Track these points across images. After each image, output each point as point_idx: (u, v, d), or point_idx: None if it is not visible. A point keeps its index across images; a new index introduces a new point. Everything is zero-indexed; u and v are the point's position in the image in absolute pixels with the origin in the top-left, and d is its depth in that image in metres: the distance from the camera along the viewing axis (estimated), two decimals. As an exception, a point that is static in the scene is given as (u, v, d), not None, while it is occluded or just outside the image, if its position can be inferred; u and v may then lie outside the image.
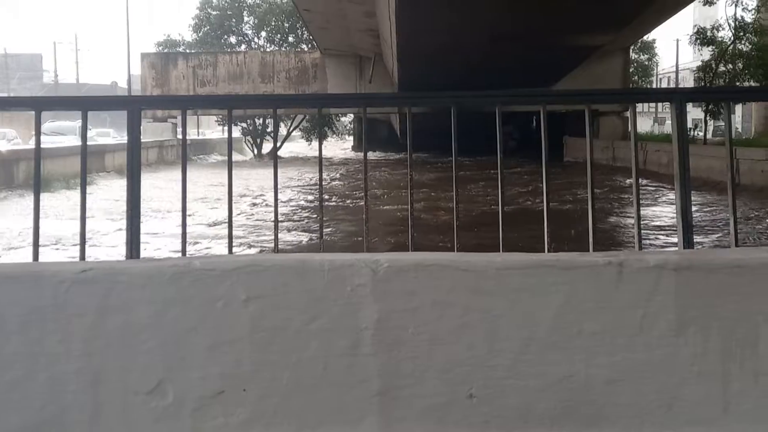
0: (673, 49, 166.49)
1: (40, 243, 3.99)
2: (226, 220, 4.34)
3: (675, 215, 4.06)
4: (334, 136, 67.26)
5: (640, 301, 3.08)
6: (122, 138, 41.83)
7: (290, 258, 3.36)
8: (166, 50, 54.75)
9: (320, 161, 4.47)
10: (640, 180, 4.42)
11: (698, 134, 33.66)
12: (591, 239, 4.11)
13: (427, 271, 3.14)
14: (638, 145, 4.37)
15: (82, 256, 3.98)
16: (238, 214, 17.58)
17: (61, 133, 41.04)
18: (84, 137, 4.20)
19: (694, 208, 4.20)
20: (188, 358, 3.06)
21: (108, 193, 22.39)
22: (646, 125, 66.57)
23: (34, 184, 4.15)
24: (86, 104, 4.25)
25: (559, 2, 21.93)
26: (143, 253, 4.04)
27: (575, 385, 3.07)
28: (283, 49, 54.63)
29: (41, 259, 3.92)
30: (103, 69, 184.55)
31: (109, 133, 48.56)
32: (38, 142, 4.16)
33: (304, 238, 15.13)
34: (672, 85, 75.44)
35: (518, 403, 3.08)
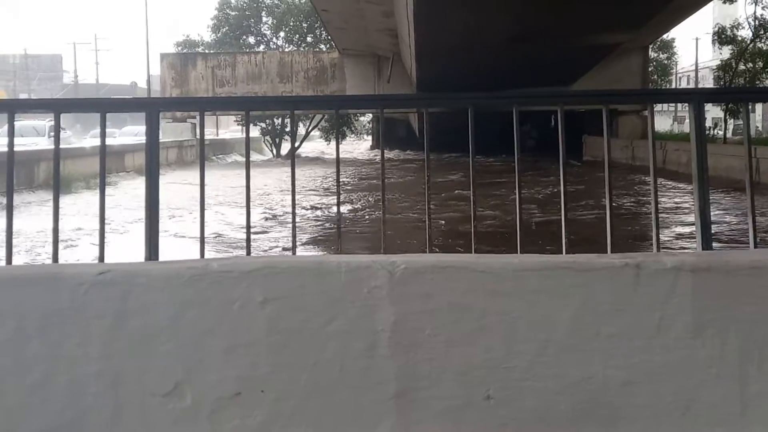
0: (692, 47, 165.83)
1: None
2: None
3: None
4: (353, 135, 67.21)
5: (658, 302, 3.07)
6: (122, 136, 41.86)
7: (307, 260, 3.38)
8: (185, 51, 54.90)
9: (338, 163, 4.47)
10: (658, 179, 4.40)
11: (718, 133, 33.51)
12: (609, 241, 4.10)
13: (443, 273, 3.14)
14: (657, 144, 4.36)
15: (101, 258, 4.01)
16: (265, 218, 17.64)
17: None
18: (102, 139, 4.22)
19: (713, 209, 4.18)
20: (206, 360, 3.07)
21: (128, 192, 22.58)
22: (665, 124, 66.37)
23: (53, 185, 4.17)
24: (104, 106, 4.28)
25: (576, 2, 21.87)
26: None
27: (593, 386, 3.06)
28: (302, 49, 54.68)
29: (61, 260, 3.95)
30: (122, 69, 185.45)
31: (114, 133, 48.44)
32: (57, 143, 4.18)
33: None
34: (691, 84, 75.16)
35: (536, 404, 3.08)
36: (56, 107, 4.23)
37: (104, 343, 3.06)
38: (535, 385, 3.07)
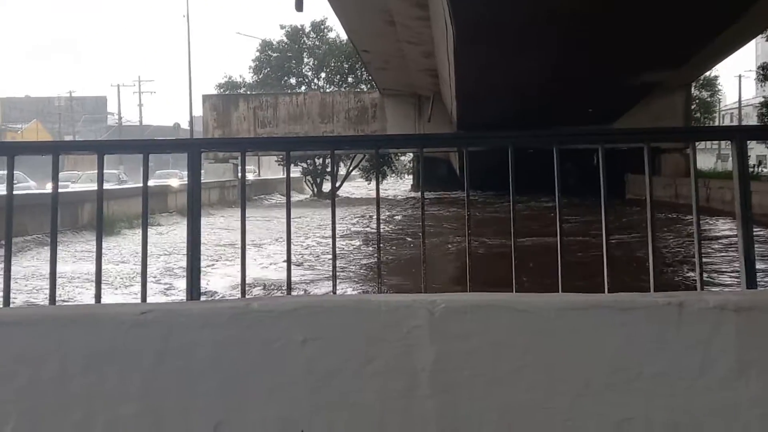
0: (736, 85, 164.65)
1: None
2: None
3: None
4: (393, 175, 67.36)
5: (701, 342, 3.03)
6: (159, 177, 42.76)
7: (347, 299, 3.37)
8: (227, 92, 55.52)
9: (378, 203, 4.48)
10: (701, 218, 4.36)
11: (763, 170, 33.18)
12: (652, 279, 4.06)
13: (484, 312, 3.12)
14: (701, 182, 4.32)
15: (143, 298, 4.03)
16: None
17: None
18: (145, 179, 4.26)
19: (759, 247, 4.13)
20: (246, 400, 3.07)
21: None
22: (709, 162, 65.84)
23: (96, 226, 4.22)
24: (147, 147, 4.32)
25: (616, 41, 21.85)
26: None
27: (635, 427, 3.02)
28: (343, 89, 55.06)
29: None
30: (166, 111, 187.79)
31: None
32: (101, 183, 4.22)
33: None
34: (735, 122, 74.60)
35: (578, 445, 3.04)
36: (99, 148, 4.27)
37: (145, 383, 3.07)
38: (577, 425, 3.03)
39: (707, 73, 49.82)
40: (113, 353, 3.08)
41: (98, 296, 4.02)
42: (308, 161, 53.28)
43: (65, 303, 10.51)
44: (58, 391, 3.07)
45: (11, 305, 4.10)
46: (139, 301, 4.04)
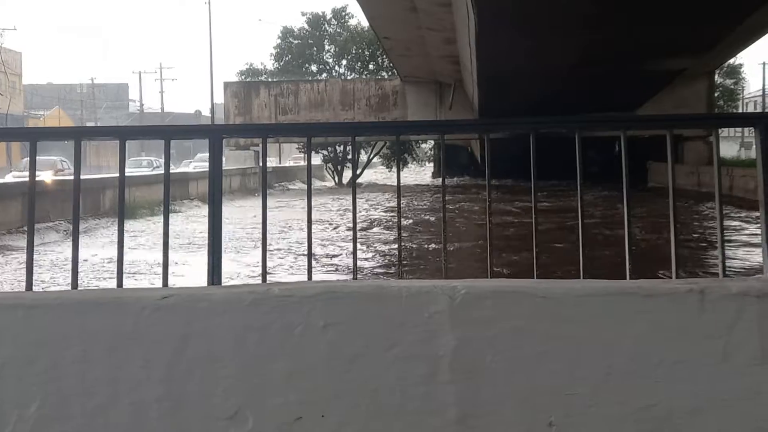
0: (760, 72, 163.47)
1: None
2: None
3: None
4: (414, 162, 67.28)
5: (723, 329, 3.02)
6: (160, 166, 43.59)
7: (368, 285, 3.37)
8: (248, 79, 55.60)
9: (398, 189, 4.48)
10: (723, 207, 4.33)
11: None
12: (674, 266, 4.05)
13: (505, 299, 3.11)
14: (724, 170, 4.29)
15: (165, 283, 4.05)
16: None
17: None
18: (167, 166, 4.27)
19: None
20: (267, 384, 3.08)
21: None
22: (732, 150, 65.44)
23: (118, 211, 4.23)
24: (168, 133, 4.33)
25: (639, 27, 21.73)
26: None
27: (657, 414, 3.01)
28: (364, 76, 55.04)
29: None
30: (187, 98, 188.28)
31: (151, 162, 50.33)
32: (122, 170, 4.22)
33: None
34: (759, 110, 74.02)
35: (599, 432, 3.04)
36: (122, 134, 4.28)
37: (167, 367, 3.09)
38: (599, 412, 3.02)
39: (731, 61, 49.52)
40: (135, 337, 3.10)
41: (120, 281, 4.04)
42: (329, 149, 53.33)
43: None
44: (81, 374, 3.09)
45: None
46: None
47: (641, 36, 22.87)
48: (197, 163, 52.68)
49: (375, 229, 22.50)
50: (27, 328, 3.13)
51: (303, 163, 59.88)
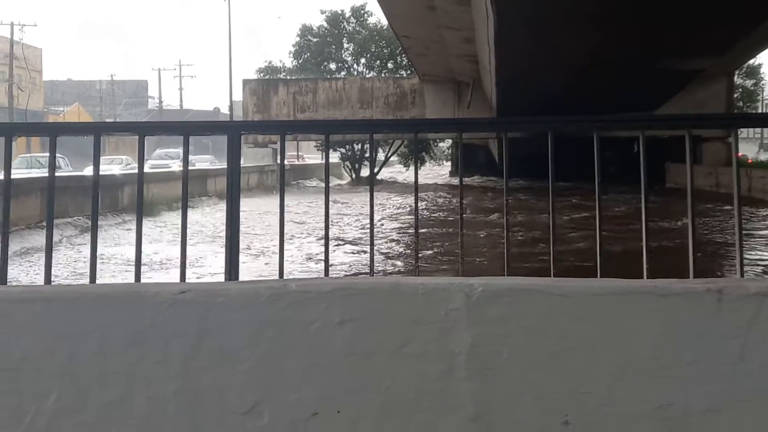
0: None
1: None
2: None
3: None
4: (432, 161, 67.21)
5: (741, 329, 3.00)
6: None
7: (385, 281, 3.38)
8: (267, 77, 55.73)
9: (416, 187, 4.48)
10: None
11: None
12: (691, 266, 4.04)
13: (521, 296, 3.11)
14: (742, 171, 4.28)
15: (182, 278, 4.07)
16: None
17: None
18: (185, 161, 4.29)
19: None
20: (283, 379, 3.09)
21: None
22: (751, 151, 65.07)
23: (137, 207, 4.26)
24: (187, 129, 4.35)
25: (656, 27, 21.65)
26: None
27: (673, 414, 3.00)
28: (382, 75, 55.06)
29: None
30: (206, 95, 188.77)
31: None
32: (141, 165, 4.25)
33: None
34: (778, 111, 73.55)
35: (614, 431, 3.03)
36: (141, 130, 4.30)
37: (183, 362, 3.10)
38: (614, 411, 3.02)
39: (751, 62, 49.27)
40: (153, 332, 3.11)
41: (138, 275, 4.06)
42: (347, 147, 53.40)
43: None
44: (99, 367, 3.10)
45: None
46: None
47: (657, 35, 22.78)
48: (155, 161, 46.43)
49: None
50: (45, 322, 3.15)
51: (321, 160, 59.92)
